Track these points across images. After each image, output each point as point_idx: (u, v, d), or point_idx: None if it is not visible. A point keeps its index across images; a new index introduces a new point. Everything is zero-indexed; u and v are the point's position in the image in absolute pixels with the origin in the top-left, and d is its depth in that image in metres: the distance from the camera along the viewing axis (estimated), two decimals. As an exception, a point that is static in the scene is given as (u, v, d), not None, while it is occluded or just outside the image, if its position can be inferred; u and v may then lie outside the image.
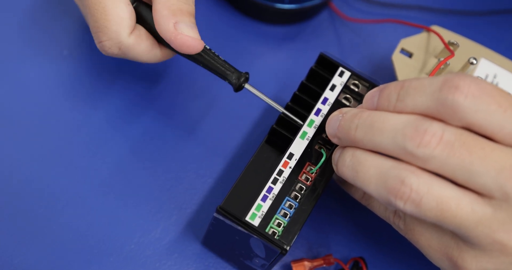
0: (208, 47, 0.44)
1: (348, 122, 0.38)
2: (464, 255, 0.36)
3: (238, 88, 0.44)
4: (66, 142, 0.52)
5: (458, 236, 0.36)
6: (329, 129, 0.40)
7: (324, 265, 0.50)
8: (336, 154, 0.40)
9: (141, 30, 0.44)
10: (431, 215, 0.34)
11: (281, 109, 0.44)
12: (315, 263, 0.49)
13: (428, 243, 0.39)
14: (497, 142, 0.34)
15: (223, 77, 0.44)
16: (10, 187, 0.50)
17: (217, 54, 0.44)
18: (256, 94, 0.44)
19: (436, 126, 0.34)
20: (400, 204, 0.34)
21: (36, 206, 0.50)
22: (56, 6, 0.57)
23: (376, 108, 0.38)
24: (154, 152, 0.53)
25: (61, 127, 0.53)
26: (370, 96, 0.39)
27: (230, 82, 0.44)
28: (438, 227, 0.38)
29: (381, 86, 0.38)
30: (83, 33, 0.56)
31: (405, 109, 0.36)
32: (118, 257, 0.49)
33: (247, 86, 0.44)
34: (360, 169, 0.37)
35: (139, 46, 0.44)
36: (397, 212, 0.41)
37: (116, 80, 0.55)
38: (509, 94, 0.34)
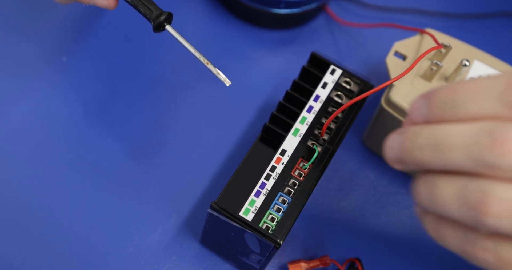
0: None
1: (410, 144, 0.33)
2: None
3: (157, 26, 0.42)
4: (64, 147, 0.53)
5: None
6: (390, 155, 0.34)
7: (321, 266, 0.50)
8: (413, 187, 0.34)
9: None
10: None
11: (204, 59, 0.42)
12: (312, 264, 0.50)
13: None
14: None
15: (143, 13, 0.42)
16: (9, 191, 0.51)
17: None
18: (177, 38, 0.42)
19: None
20: (490, 220, 0.29)
21: (36, 211, 0.50)
22: (54, 11, 0.58)
23: (429, 119, 0.33)
24: (152, 155, 0.53)
25: (59, 132, 0.53)
26: (417, 105, 0.33)
27: (149, 19, 0.42)
28: None
29: (424, 94, 0.33)
30: (82, 39, 0.57)
31: (468, 116, 0.31)
32: (117, 260, 0.49)
33: (168, 28, 0.42)
34: (436, 193, 0.32)
35: None
36: (483, 245, 0.33)
37: (115, 84, 0.56)
38: None
